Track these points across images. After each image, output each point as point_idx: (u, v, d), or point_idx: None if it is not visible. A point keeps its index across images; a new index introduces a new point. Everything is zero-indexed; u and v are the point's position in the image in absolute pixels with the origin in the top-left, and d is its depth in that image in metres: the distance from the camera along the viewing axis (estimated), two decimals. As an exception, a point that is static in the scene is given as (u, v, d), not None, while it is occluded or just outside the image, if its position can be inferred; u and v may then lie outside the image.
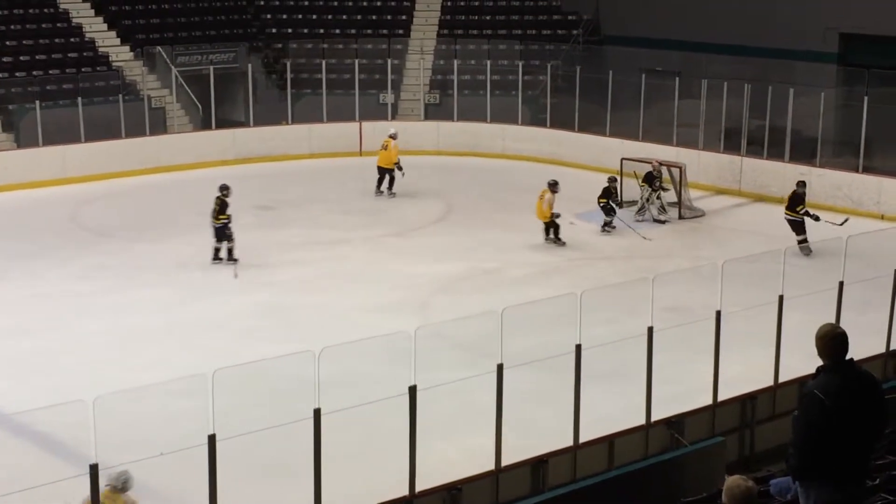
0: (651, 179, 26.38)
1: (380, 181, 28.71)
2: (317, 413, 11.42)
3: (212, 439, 10.95)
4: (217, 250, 22.77)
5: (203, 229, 25.52)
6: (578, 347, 13.35)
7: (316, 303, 20.52)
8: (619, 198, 26.17)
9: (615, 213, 25.27)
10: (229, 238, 22.65)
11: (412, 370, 12.06)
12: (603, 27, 37.88)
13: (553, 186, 24.38)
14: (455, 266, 22.81)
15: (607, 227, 25.29)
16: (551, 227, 24.17)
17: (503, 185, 29.53)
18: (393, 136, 29.07)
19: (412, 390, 12.09)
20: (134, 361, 17.32)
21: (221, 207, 22.64)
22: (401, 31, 37.69)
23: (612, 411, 14.79)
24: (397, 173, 28.52)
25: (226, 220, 22.59)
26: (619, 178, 26.60)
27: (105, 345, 18.36)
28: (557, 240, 24.11)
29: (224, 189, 22.85)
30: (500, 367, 12.76)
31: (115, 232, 25.78)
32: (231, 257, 22.67)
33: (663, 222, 26.06)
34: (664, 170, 26.91)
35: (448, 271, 22.45)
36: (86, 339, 18.63)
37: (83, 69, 33.20)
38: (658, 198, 26.48)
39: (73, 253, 23.88)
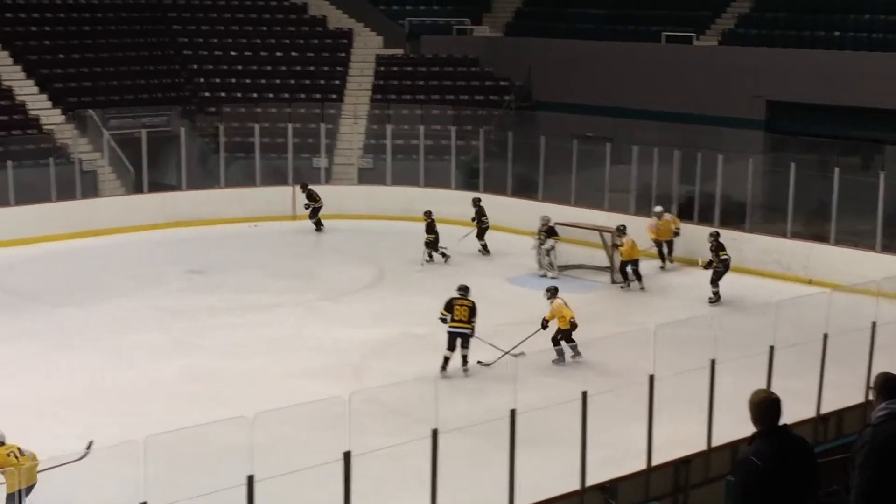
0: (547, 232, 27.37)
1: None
2: (250, 479, 11.30)
3: (144, 507, 10.79)
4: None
5: (133, 293, 25.34)
6: (513, 412, 13.33)
7: (247, 368, 20.34)
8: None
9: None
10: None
11: (346, 436, 11.97)
12: (534, 93, 38.27)
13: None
14: (387, 331, 22.76)
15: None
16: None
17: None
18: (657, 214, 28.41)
19: (346, 456, 12.00)
20: (61, 429, 17.03)
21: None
22: (334, 96, 37.80)
23: (547, 476, 14.76)
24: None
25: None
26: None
27: (32, 412, 18.01)
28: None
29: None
30: (434, 433, 12.70)
31: (44, 296, 25.45)
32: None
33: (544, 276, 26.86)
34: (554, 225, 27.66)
35: (380, 336, 22.39)
36: (12, 407, 18.26)
37: (13, 132, 32.92)
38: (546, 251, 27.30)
39: None
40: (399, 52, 40.32)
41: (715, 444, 15.26)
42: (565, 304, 20.92)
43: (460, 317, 19.94)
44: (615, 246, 26.64)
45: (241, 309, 24.30)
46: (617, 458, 15.11)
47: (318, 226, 32.13)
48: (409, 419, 15.17)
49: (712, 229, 26.51)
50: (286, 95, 37.61)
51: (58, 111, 34.75)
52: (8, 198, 30.31)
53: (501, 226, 31.42)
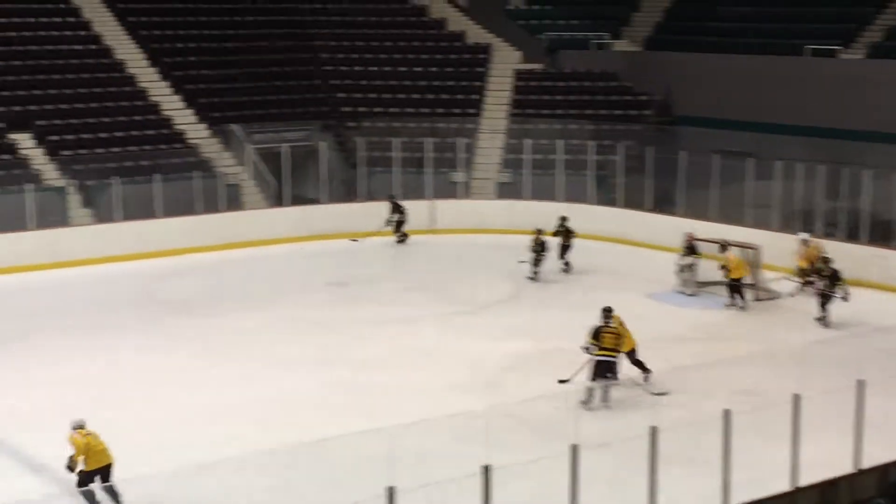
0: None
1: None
2: (390, 491, 11.36)
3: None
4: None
5: (276, 305, 25.78)
6: (654, 429, 13.18)
7: (387, 380, 20.50)
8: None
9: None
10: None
11: (485, 449, 11.96)
12: (674, 107, 37.89)
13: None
14: (525, 345, 22.72)
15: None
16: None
17: (574, 265, 29.40)
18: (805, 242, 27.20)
19: (486, 470, 11.98)
20: (208, 437, 17.37)
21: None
22: (472, 111, 37.93)
23: (688, 495, 14.55)
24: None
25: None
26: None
27: (179, 419, 18.44)
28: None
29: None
30: (574, 449, 12.62)
31: (190, 307, 26.04)
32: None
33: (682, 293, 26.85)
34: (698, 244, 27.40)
35: (518, 350, 22.36)
36: (160, 413, 18.74)
37: (160, 146, 33.79)
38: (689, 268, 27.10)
39: (148, 327, 24.14)
40: (538, 66, 40.29)
41: (863, 466, 14.88)
42: (622, 324, 19.86)
43: (609, 345, 19.03)
44: (723, 267, 26.07)
45: (381, 321, 24.52)
46: (761, 479, 14.81)
47: (402, 238, 32.38)
48: (548, 434, 15.12)
49: (827, 255, 25.54)
50: (425, 110, 37.89)
51: (203, 126, 35.58)
52: (155, 210, 31.14)
53: (640, 241, 31.32)
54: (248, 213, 33.32)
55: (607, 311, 19.56)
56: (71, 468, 14.75)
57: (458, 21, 42.13)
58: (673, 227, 29.91)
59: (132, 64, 36.76)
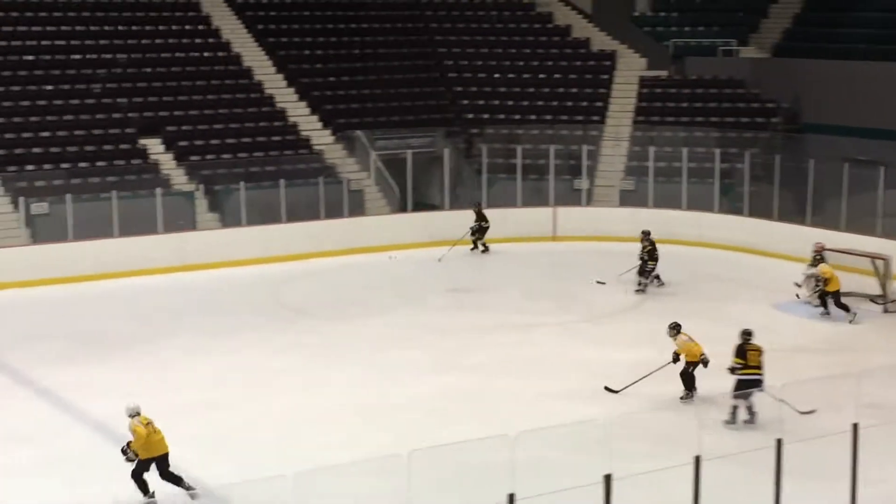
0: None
1: None
2: (511, 498, 11.32)
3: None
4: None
5: (398, 310, 25.92)
6: (779, 442, 12.93)
7: (507, 387, 20.45)
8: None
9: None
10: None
11: (606, 458, 11.86)
12: (803, 115, 37.19)
13: None
14: (646, 354, 22.39)
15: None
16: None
17: (697, 274, 29.06)
18: None
19: (607, 479, 11.88)
20: (327, 440, 17.53)
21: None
22: (596, 118, 37.72)
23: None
24: None
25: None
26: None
27: (299, 422, 18.64)
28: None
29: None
30: (697, 459, 12.44)
31: (313, 311, 26.34)
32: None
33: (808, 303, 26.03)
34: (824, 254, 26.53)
35: (639, 359, 22.05)
36: (280, 416, 18.96)
37: (286, 152, 34.26)
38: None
39: (271, 330, 24.47)
40: (663, 73, 39.92)
41: None
42: (691, 339, 19.76)
43: (755, 363, 18.27)
44: (823, 280, 25.41)
45: (501, 328, 24.49)
46: (889, 494, 14.47)
47: (485, 248, 32.13)
48: (670, 445, 14.92)
49: None
50: (548, 117, 37.79)
51: (327, 132, 35.96)
52: (280, 215, 31.59)
53: (766, 251, 30.78)
54: (370, 219, 33.56)
55: (749, 332, 18.82)
56: (125, 451, 15.10)
57: (582, 28, 41.96)
58: (801, 237, 29.34)
59: (259, 71, 37.34)
